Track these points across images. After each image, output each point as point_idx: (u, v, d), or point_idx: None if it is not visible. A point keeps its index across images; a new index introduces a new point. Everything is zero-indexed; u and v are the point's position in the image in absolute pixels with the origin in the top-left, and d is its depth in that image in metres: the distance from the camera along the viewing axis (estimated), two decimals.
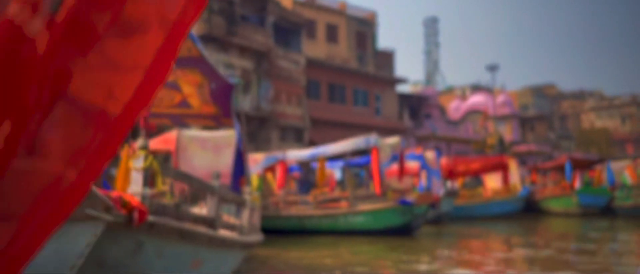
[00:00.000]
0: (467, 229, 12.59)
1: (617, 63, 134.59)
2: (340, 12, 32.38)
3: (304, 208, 10.39)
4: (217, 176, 4.21)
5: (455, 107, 45.64)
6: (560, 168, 19.14)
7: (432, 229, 12.13)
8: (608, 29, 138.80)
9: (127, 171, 3.21)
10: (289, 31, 26.56)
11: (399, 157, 10.58)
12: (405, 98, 36.93)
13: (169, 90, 5.05)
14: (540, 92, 50.25)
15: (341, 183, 20.30)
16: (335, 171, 21.71)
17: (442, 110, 43.52)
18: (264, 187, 13.64)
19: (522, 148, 40.35)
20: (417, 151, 13.58)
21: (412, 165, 14.74)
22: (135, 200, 2.55)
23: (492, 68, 35.46)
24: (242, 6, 23.79)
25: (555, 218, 17.04)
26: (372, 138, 9.84)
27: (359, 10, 34.30)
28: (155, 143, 8.65)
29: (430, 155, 14.08)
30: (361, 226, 9.89)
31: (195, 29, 22.18)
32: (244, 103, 24.02)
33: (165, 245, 2.92)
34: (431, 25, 61.98)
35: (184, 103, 5.36)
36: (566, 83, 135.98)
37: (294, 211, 10.38)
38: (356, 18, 33.20)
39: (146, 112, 3.01)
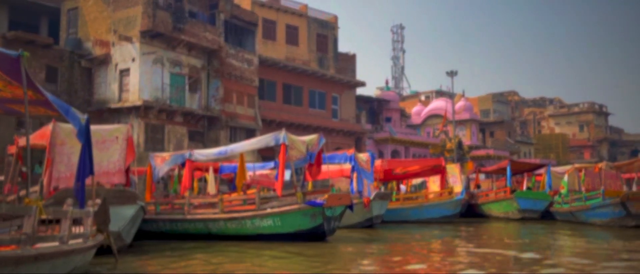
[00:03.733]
0: (396, 233, 12.21)
1: (576, 72, 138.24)
2: (301, 13, 31.96)
3: (210, 211, 9.81)
4: None
5: (417, 112, 45.81)
6: (504, 172, 19.08)
7: (358, 234, 11.71)
8: (568, 38, 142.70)
9: None
10: (243, 30, 25.97)
11: (315, 156, 10.13)
12: (365, 102, 36.76)
13: None
14: (501, 98, 50.93)
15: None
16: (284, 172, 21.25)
17: (403, 114, 43.57)
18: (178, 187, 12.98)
19: (481, 152, 40.68)
20: (349, 152, 13.17)
21: (344, 166, 14.35)
22: None
23: (451, 73, 35.58)
24: (190, 2, 23.10)
25: (494, 222, 16.92)
26: (281, 135, 9.35)
27: (320, 12, 33.95)
28: (31, 139, 7.95)
29: (363, 156, 13.69)
30: (269, 230, 9.36)
31: (139, 24, 21.40)
32: (192, 102, 23.32)
33: None
34: (398, 32, 62.36)
35: None
36: (527, 90, 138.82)
37: (200, 214, 9.79)
38: (317, 20, 32.84)
39: None
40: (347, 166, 13.94)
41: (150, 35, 21.46)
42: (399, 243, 10.43)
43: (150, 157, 10.96)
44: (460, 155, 38.16)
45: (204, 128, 23.62)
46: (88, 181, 7.89)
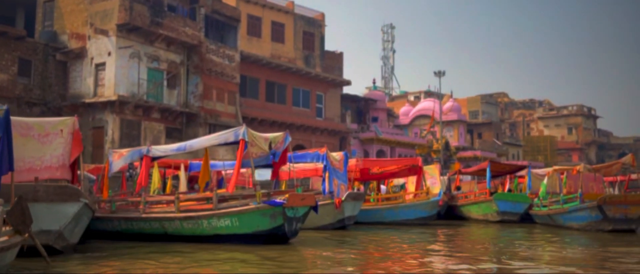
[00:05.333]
0: (366, 235, 11.83)
1: (566, 74, 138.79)
2: (288, 10, 31.51)
3: (166, 210, 9.35)
4: None
5: (405, 112, 45.54)
6: (484, 173, 18.74)
7: (326, 235, 11.33)
8: (558, 40, 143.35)
9: None
10: (224, 25, 25.50)
11: (279, 154, 9.71)
12: (351, 101, 36.38)
13: None
14: (490, 100, 50.81)
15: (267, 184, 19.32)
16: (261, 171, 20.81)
17: (391, 114, 43.28)
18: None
19: (468, 154, 40.47)
20: (321, 151, 12.77)
21: (319, 165, 13.94)
22: None
23: (439, 74, 35.31)
24: None
25: (472, 224, 16.58)
26: (241, 130, 8.91)
27: (307, 10, 33.51)
28: None
29: (336, 155, 13.30)
30: (227, 230, 8.88)
31: (116, 17, 20.88)
32: (171, 98, 22.83)
33: None
34: (388, 32, 62.07)
35: None
36: (517, 92, 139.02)
37: (155, 213, 9.33)
38: (304, 18, 32.41)
39: None
40: (318, 165, 13.56)
41: (127, 29, 20.96)
42: (362, 245, 10.06)
43: (109, 153, 10.50)
44: (447, 156, 37.92)
45: (182, 125, 23.14)
46: (24, 177, 7.44)
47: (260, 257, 7.49)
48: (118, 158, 10.00)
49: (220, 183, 15.44)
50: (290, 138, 9.98)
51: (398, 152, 35.53)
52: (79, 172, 7.77)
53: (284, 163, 10.03)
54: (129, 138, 20.86)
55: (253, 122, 26.89)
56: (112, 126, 20.60)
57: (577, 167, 15.13)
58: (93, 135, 21.05)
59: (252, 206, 8.68)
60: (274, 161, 9.81)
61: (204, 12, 23.73)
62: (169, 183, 15.61)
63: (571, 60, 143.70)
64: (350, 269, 7.08)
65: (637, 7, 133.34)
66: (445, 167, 32.64)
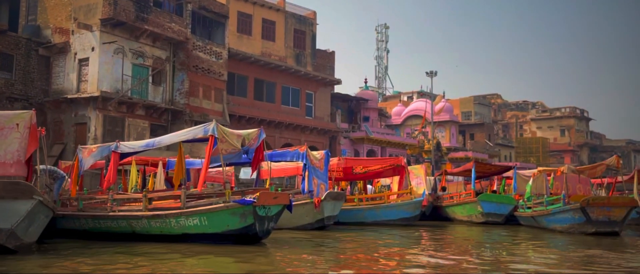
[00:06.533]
0: (344, 236, 11.56)
1: (560, 76, 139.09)
2: (278, 8, 31.20)
3: (133, 208, 9.06)
4: None
5: (397, 112, 45.34)
6: (470, 174, 18.53)
7: (303, 236, 11.08)
8: (553, 41, 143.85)
9: None
10: (212, 22, 25.18)
11: (253, 152, 9.43)
12: (343, 101, 36.12)
13: None
14: (483, 101, 50.68)
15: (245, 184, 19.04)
16: (247, 170, 20.50)
17: (384, 114, 43.06)
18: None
19: (460, 154, 40.31)
20: (301, 149, 12.50)
21: (299, 164, 13.68)
22: None
23: (431, 74, 35.13)
24: None
25: (456, 225, 16.36)
26: (210, 126, 8.63)
27: (298, 8, 33.22)
28: None
29: (316, 154, 13.03)
30: (196, 229, 8.60)
31: (100, 12, 20.53)
32: (156, 94, 22.49)
33: None
34: (382, 32, 61.83)
35: None
36: (511, 93, 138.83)
37: (122, 211, 9.03)
38: (295, 15, 32.11)
39: None
40: (299, 164, 13.30)
41: (112, 24, 20.59)
42: (336, 245, 9.80)
43: (78, 150, 10.19)
44: (438, 156, 37.77)
45: (168, 122, 22.79)
46: None
47: (227, 257, 7.23)
48: (88, 155, 9.70)
49: None
50: (264, 135, 9.69)
51: (389, 152, 35.30)
52: (35, 167, 7.47)
53: (259, 161, 9.74)
54: (113, 135, 20.48)
55: (241, 120, 26.61)
56: (95, 122, 20.24)
57: (562, 168, 14.93)
58: (76, 131, 20.70)
59: (221, 204, 8.41)
60: (249, 158, 9.51)
61: (191, 8, 23.40)
62: (151, 180, 15.30)
63: (565, 62, 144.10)
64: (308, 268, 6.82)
65: (632, 10, 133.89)
66: (436, 168, 32.46)
